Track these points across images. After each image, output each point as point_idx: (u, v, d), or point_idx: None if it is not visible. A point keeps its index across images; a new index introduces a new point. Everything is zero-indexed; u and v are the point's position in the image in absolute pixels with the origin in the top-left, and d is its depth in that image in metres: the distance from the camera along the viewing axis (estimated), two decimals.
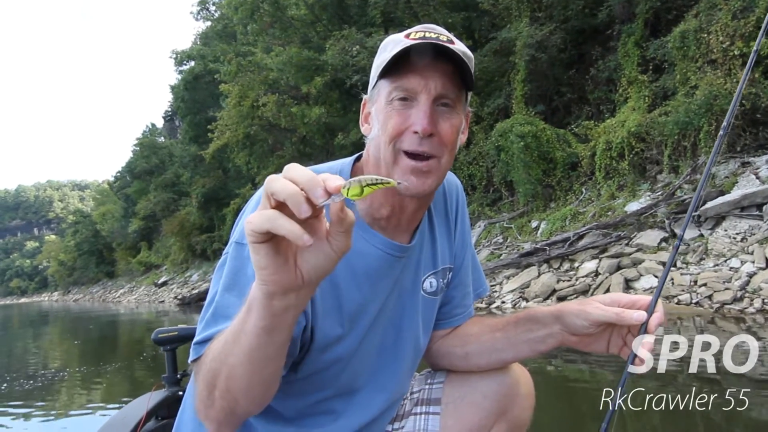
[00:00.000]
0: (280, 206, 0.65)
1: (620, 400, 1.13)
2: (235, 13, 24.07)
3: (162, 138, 51.53)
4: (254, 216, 0.65)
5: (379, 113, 1.07)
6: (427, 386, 1.36)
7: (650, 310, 1.06)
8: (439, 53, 1.01)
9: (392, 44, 1.05)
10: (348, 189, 0.64)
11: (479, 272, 1.43)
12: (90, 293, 57.94)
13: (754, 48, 1.60)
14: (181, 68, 36.47)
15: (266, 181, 0.66)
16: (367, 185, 0.65)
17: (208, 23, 37.48)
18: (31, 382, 6.49)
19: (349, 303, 1.10)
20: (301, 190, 0.63)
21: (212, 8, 36.21)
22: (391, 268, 1.15)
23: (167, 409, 1.85)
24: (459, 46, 1.04)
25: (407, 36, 1.04)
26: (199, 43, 38.12)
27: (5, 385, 6.36)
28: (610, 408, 1.10)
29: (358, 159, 1.20)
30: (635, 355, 1.06)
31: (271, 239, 0.67)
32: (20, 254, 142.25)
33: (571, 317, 1.13)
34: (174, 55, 36.34)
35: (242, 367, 0.82)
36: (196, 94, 32.51)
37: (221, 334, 0.88)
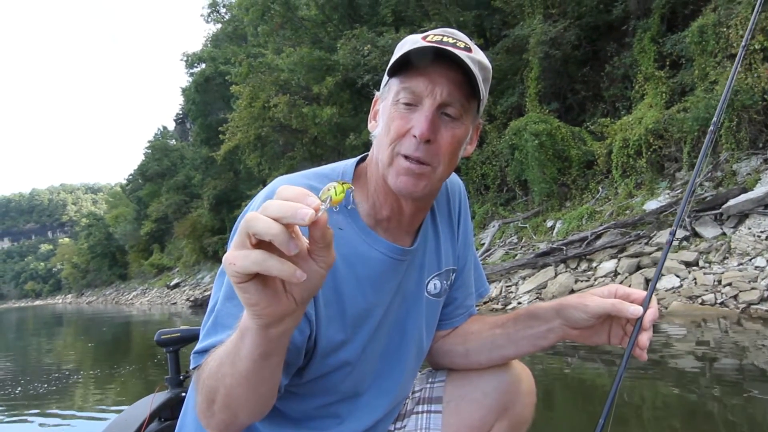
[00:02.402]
0: (261, 242, 0.62)
1: (616, 398, 1.13)
2: (245, 14, 24.04)
3: (173, 140, 51.83)
4: (237, 258, 0.63)
5: (385, 112, 1.06)
6: (428, 385, 1.37)
7: (645, 305, 1.07)
8: (451, 60, 0.99)
9: (409, 44, 1.04)
10: (333, 193, 0.64)
11: (480, 272, 1.43)
12: (103, 295, 58.39)
13: (742, 44, 1.59)
14: (191, 71, 36.62)
15: (246, 221, 0.62)
16: (340, 183, 0.66)
17: (219, 25, 37.58)
18: (46, 385, 6.46)
19: (353, 309, 1.09)
20: (286, 225, 0.61)
21: (222, 10, 36.28)
22: (394, 272, 1.14)
23: (170, 411, 1.85)
24: (476, 55, 1.02)
25: (424, 38, 1.03)
26: (209, 45, 38.21)
27: (19, 388, 6.33)
28: (608, 402, 1.10)
29: (362, 160, 1.19)
30: (630, 353, 1.08)
31: (257, 276, 0.64)
32: (34, 257, 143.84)
33: (571, 310, 1.13)
34: (185, 58, 36.52)
35: (240, 387, 0.83)
36: (207, 96, 32.59)
37: (218, 349, 0.88)
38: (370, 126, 1.14)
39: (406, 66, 1.01)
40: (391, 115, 1.03)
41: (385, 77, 1.08)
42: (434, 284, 1.25)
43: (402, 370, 1.23)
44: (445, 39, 1.02)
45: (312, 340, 1.04)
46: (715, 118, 1.47)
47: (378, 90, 1.15)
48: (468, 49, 1.02)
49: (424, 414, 1.33)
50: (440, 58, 0.99)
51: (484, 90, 1.04)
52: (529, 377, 1.33)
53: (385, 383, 1.22)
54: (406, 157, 1.02)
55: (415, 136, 1.00)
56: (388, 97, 1.06)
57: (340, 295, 1.06)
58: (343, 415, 1.18)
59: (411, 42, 1.04)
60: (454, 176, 1.29)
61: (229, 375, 0.82)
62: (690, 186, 1.39)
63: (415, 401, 1.36)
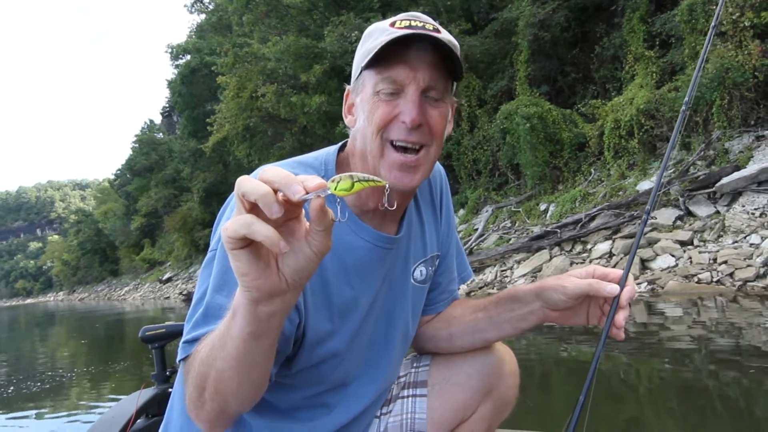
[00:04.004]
0: (255, 209, 0.63)
1: (595, 377, 1.13)
2: (229, 3, 23.73)
3: (161, 134, 51.29)
4: (230, 222, 0.63)
5: (365, 104, 1.04)
6: (413, 370, 1.38)
7: (621, 284, 1.07)
8: (427, 43, 0.99)
9: (377, 33, 1.03)
10: (337, 183, 0.63)
11: (462, 257, 1.44)
12: (95, 292, 58.05)
13: (712, 24, 1.59)
14: (177, 62, 36.19)
15: (237, 182, 0.64)
16: (359, 181, 0.63)
17: (203, 16, 37.10)
18: (39, 383, 6.37)
19: (340, 298, 1.09)
20: (276, 190, 0.61)
21: (206, 0, 35.81)
22: (381, 261, 1.14)
23: (157, 407, 1.85)
24: (445, 35, 1.02)
25: (392, 25, 1.02)
26: (194, 36, 37.70)
27: (12, 387, 6.24)
28: (587, 381, 1.11)
29: (342, 148, 1.17)
30: (608, 333, 1.08)
31: (250, 244, 0.65)
32: (24, 255, 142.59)
33: (550, 292, 1.14)
34: (169, 50, 36.03)
35: (231, 371, 0.82)
36: (193, 88, 32.24)
37: (208, 336, 0.87)
38: (347, 121, 1.12)
39: (382, 56, 0.99)
40: (374, 104, 1.02)
41: (357, 69, 1.06)
42: (420, 271, 1.26)
43: (389, 357, 1.24)
44: (413, 23, 1.00)
45: (301, 329, 1.04)
46: (686, 98, 1.49)
47: (349, 83, 1.12)
48: (437, 31, 1.01)
49: (410, 398, 1.35)
50: (417, 43, 0.99)
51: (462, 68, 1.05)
52: (512, 358, 1.34)
53: (373, 371, 1.23)
54: (397, 148, 1.01)
55: (404, 122, 0.99)
56: (365, 90, 1.04)
57: (326, 284, 1.06)
58: (332, 405, 1.19)
59: (379, 31, 1.02)
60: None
61: (220, 358, 0.81)
62: (660, 171, 1.38)
63: (400, 386, 1.38)
